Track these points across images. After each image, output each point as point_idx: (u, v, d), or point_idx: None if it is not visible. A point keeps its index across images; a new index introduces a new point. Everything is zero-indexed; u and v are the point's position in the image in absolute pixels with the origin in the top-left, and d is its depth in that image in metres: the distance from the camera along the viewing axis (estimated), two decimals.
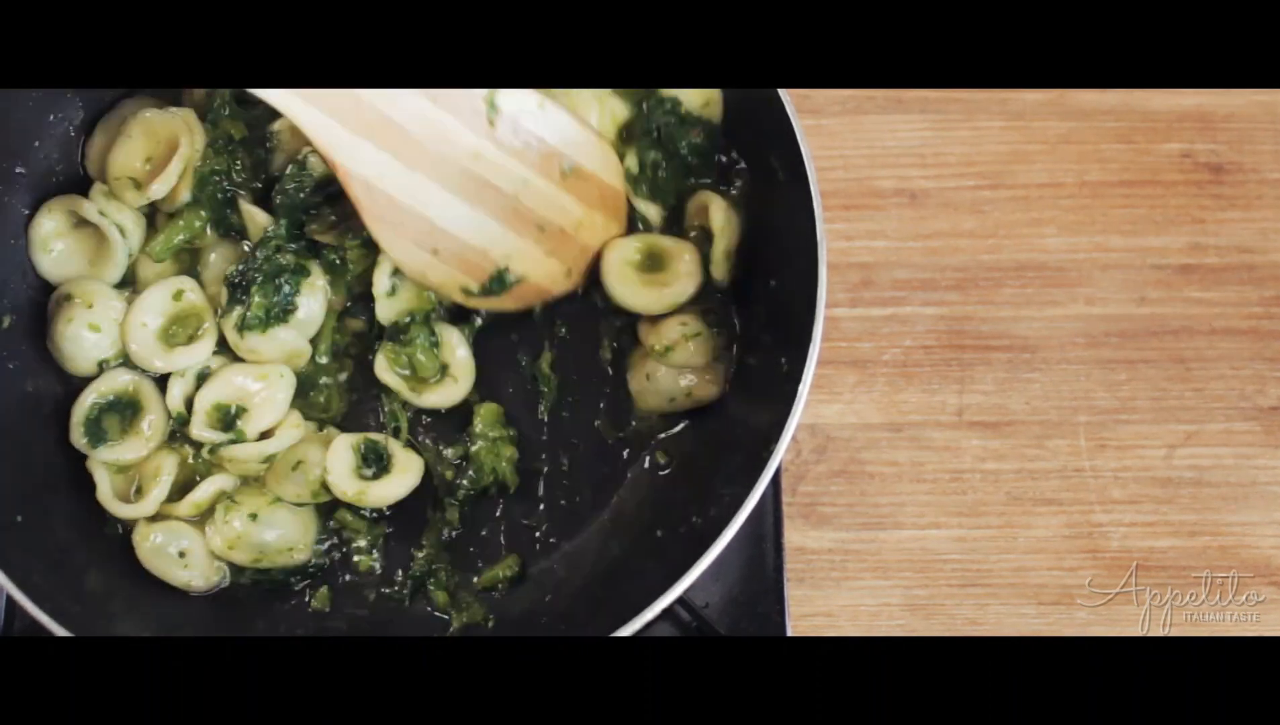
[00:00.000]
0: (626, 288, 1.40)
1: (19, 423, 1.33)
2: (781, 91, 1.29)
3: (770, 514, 1.45)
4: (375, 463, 1.38)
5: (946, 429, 1.55)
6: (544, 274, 1.40)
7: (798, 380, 1.23)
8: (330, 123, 1.25)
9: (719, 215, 1.38)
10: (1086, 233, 1.62)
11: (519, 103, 1.32)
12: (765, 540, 1.44)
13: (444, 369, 1.40)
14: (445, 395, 1.39)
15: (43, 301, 1.38)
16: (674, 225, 1.43)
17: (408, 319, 1.38)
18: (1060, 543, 1.52)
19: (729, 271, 1.40)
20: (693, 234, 1.42)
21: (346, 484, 1.34)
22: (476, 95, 1.30)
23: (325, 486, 1.35)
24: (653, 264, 1.41)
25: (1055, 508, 1.53)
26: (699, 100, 1.40)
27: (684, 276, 1.39)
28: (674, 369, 1.38)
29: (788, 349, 1.28)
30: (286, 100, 1.23)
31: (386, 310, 1.38)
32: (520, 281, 1.38)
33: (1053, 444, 1.55)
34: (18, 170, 1.37)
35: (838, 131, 1.65)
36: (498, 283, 1.37)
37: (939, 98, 1.66)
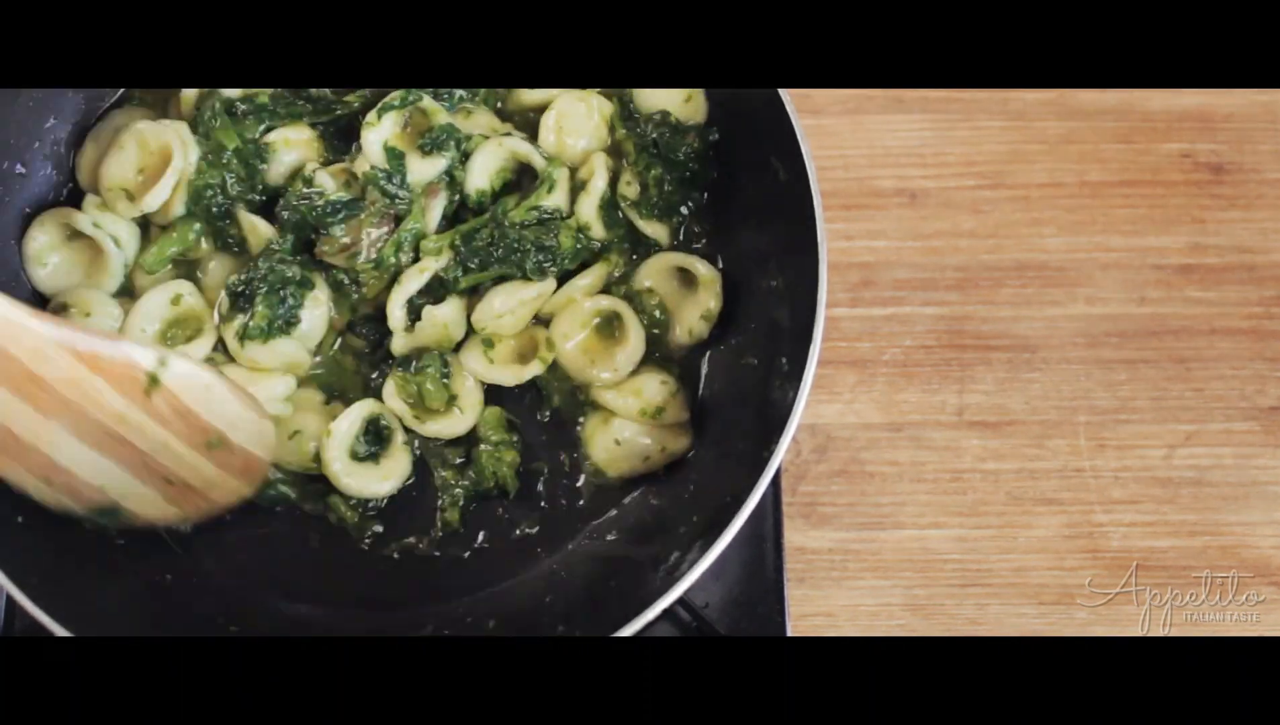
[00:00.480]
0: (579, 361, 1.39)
1: None
2: (781, 91, 1.29)
3: (770, 514, 1.45)
4: (374, 443, 1.38)
5: (946, 429, 1.55)
6: (158, 514, 1.31)
7: (799, 380, 1.23)
8: None
9: (705, 275, 1.39)
10: (1086, 233, 1.62)
11: (185, 379, 1.24)
12: (765, 540, 1.44)
13: (452, 400, 1.39)
14: (449, 426, 1.38)
15: (39, 306, 1.38)
16: (684, 241, 1.44)
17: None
18: (1060, 543, 1.52)
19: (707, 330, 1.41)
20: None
21: (338, 455, 1.34)
22: (140, 366, 1.22)
23: (317, 459, 1.36)
24: (608, 327, 1.40)
25: (1055, 508, 1.53)
26: (680, 99, 1.40)
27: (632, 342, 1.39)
28: (643, 428, 1.38)
29: (788, 349, 1.28)
30: None
31: (401, 344, 1.37)
32: (133, 517, 1.30)
33: (1053, 444, 1.55)
34: (18, 170, 1.37)
35: (838, 131, 1.65)
36: (109, 515, 1.29)
37: (939, 98, 1.66)
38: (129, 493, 1.27)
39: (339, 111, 1.43)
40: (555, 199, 1.38)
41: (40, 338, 1.17)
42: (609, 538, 1.39)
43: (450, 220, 1.41)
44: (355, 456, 1.37)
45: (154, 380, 1.22)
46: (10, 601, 1.38)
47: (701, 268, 1.40)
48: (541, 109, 1.43)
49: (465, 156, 1.39)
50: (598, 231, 1.39)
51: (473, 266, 1.37)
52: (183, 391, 1.24)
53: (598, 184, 1.39)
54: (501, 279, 1.38)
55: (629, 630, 1.19)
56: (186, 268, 1.41)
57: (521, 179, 1.43)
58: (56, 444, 1.22)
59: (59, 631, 1.18)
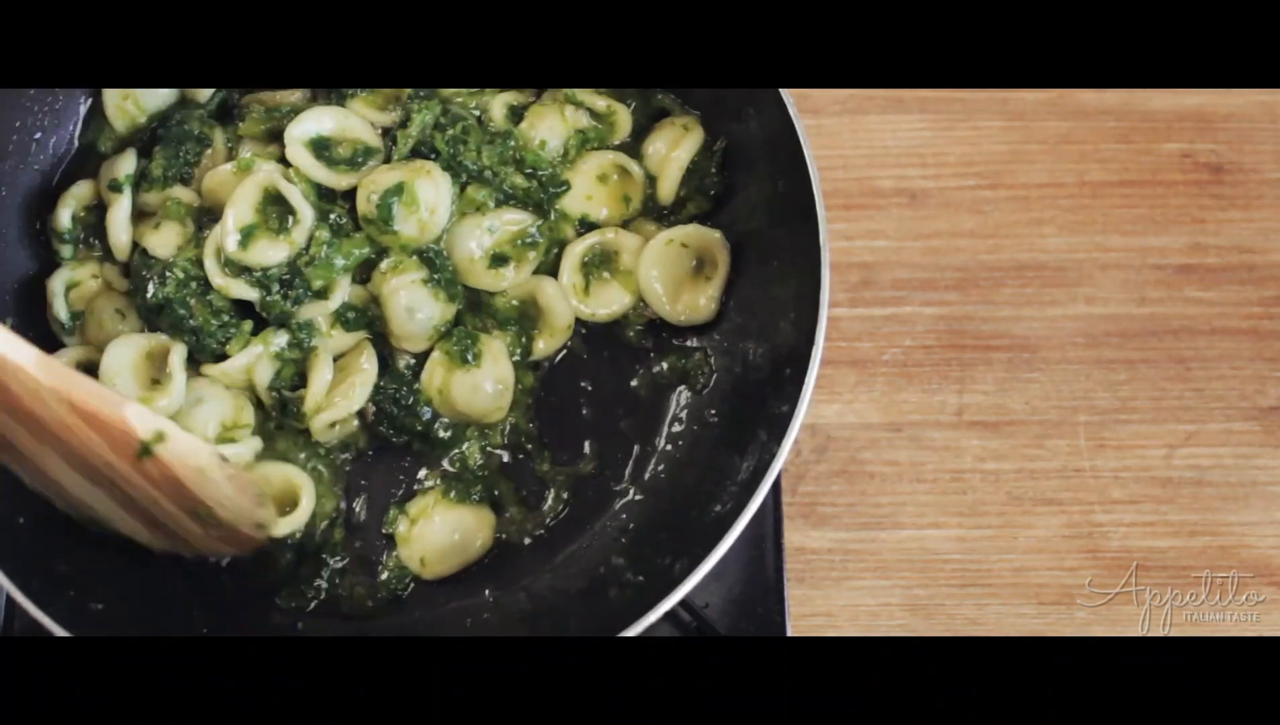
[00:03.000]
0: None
1: None
2: (783, 91, 1.29)
3: (770, 514, 1.45)
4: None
5: (946, 429, 1.55)
6: (146, 540, 1.30)
7: (800, 382, 1.23)
8: None
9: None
10: (1086, 233, 1.62)
11: (181, 456, 1.19)
12: (765, 540, 1.44)
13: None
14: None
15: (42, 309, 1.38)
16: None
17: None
18: (1060, 543, 1.52)
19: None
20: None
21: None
22: (135, 434, 1.16)
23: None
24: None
25: (1055, 508, 1.53)
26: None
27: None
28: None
29: (790, 351, 1.28)
30: None
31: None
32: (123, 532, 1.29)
33: (1053, 444, 1.55)
34: (20, 171, 1.37)
35: (838, 131, 1.65)
36: (99, 524, 1.28)
37: (939, 98, 1.66)
38: (118, 519, 1.26)
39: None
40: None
41: (39, 385, 1.13)
42: (610, 539, 1.38)
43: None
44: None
45: (147, 450, 1.17)
46: (10, 601, 1.38)
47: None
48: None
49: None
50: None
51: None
52: (175, 465, 1.19)
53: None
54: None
55: (630, 632, 1.19)
56: None
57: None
58: (49, 464, 1.20)
59: (59, 631, 1.18)
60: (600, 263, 1.41)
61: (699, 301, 1.40)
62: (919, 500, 1.53)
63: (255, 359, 1.34)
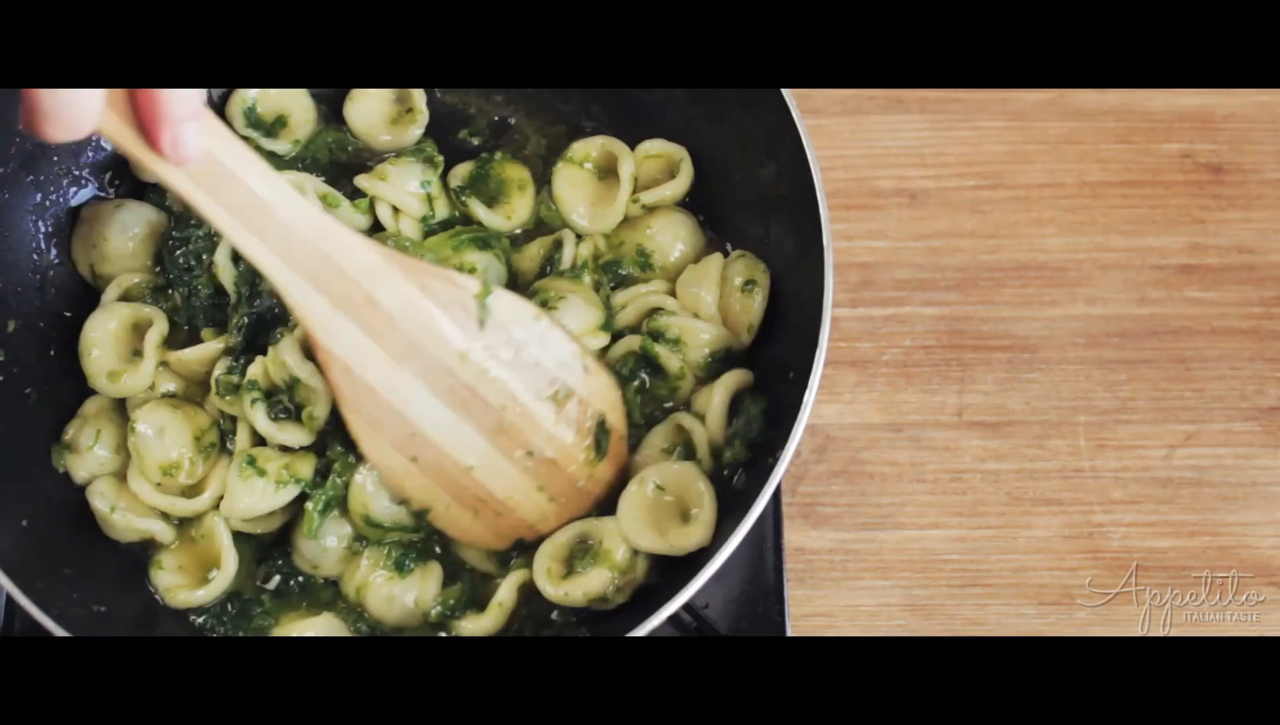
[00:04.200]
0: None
1: (17, 428, 1.33)
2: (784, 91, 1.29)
3: (770, 514, 1.45)
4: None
5: (946, 429, 1.55)
6: (531, 508, 1.29)
7: (804, 385, 1.22)
8: (311, 292, 1.16)
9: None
10: (1086, 233, 1.62)
11: (513, 309, 1.24)
12: (765, 540, 1.44)
13: None
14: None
15: (48, 308, 1.38)
16: None
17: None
18: (1060, 543, 1.52)
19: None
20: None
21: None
22: (468, 292, 1.22)
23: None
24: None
25: (1055, 508, 1.53)
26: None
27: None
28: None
29: (793, 353, 1.27)
30: (269, 262, 1.14)
31: None
32: (501, 515, 1.29)
33: (1053, 444, 1.55)
34: (27, 179, 1.37)
35: (838, 131, 1.65)
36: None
37: (939, 98, 1.66)
38: (494, 471, 1.26)
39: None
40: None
41: (373, 253, 1.17)
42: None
43: None
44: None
45: (483, 305, 1.21)
46: (10, 601, 1.38)
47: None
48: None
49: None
50: None
51: None
52: (511, 322, 1.23)
53: None
54: None
55: (642, 631, 1.19)
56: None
57: None
58: (413, 402, 1.22)
59: (59, 632, 1.18)
60: (583, 553, 1.30)
61: (690, 536, 1.27)
62: (919, 500, 1.53)
63: (214, 356, 1.33)
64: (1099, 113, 1.67)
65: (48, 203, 1.40)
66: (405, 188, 1.39)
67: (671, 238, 1.41)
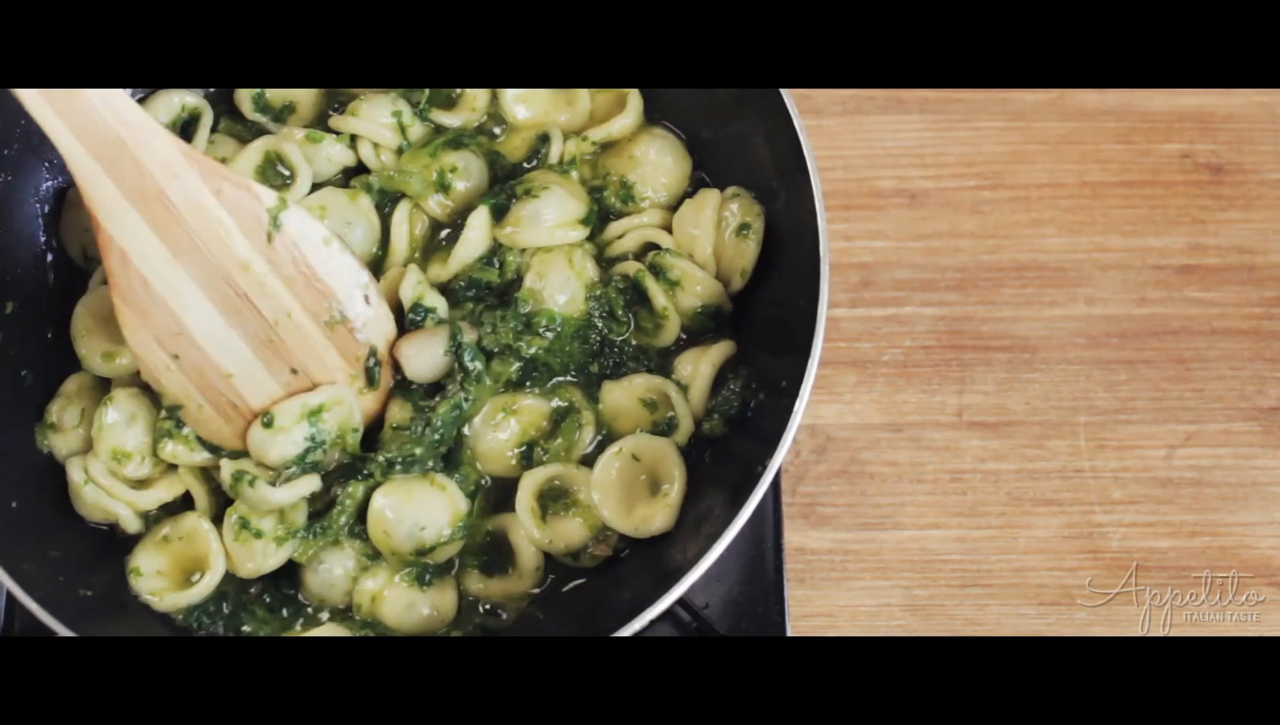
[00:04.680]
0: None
1: (10, 409, 1.33)
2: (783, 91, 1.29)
3: (770, 514, 1.45)
4: None
5: (946, 429, 1.55)
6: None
7: (799, 383, 1.22)
8: (104, 178, 1.17)
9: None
10: (1086, 233, 1.62)
11: (303, 228, 1.25)
12: (765, 540, 1.44)
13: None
14: None
15: (46, 289, 1.38)
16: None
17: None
18: (1060, 543, 1.52)
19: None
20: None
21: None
22: (260, 204, 1.23)
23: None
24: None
25: (1055, 508, 1.53)
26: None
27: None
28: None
29: (788, 353, 1.28)
30: (66, 141, 1.15)
31: None
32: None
33: (1053, 444, 1.55)
34: (33, 161, 1.37)
35: (838, 131, 1.65)
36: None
37: (939, 98, 1.66)
38: (255, 385, 1.26)
39: None
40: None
41: (173, 150, 1.18)
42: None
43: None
44: None
45: (275, 221, 1.22)
46: (10, 601, 1.38)
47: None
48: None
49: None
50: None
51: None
52: (301, 240, 1.24)
53: None
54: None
55: (629, 630, 1.19)
56: None
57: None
58: (186, 304, 1.22)
59: (59, 632, 1.18)
60: (556, 496, 1.33)
61: (654, 519, 1.30)
62: (919, 500, 1.53)
63: None
64: (1099, 113, 1.67)
65: (52, 185, 1.40)
66: (377, 121, 1.40)
67: (655, 169, 1.41)
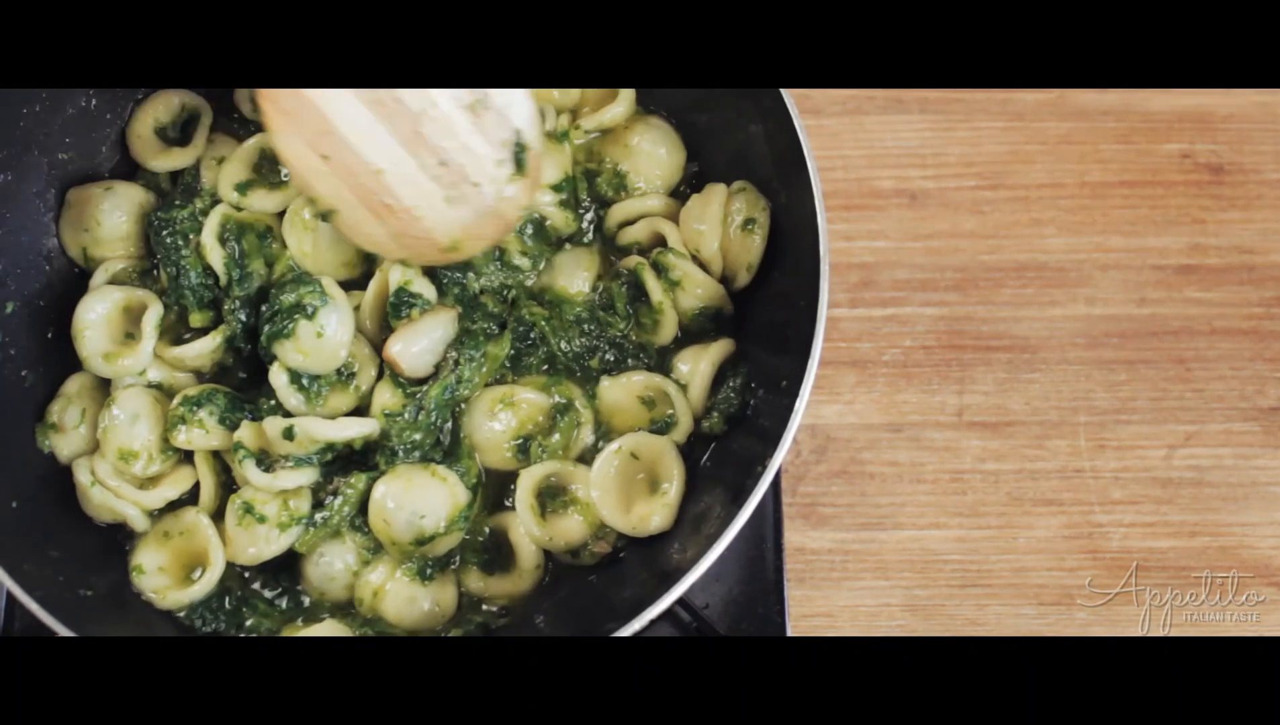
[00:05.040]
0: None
1: (11, 409, 1.34)
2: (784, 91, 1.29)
3: (770, 514, 1.45)
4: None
5: (946, 429, 1.55)
6: (437, 220, 1.28)
7: (799, 383, 1.22)
8: None
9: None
10: (1086, 233, 1.62)
11: (510, 103, 1.26)
12: (765, 540, 1.44)
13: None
14: None
15: (46, 289, 1.38)
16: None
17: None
18: (1060, 543, 1.52)
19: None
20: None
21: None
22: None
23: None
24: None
25: (1055, 508, 1.53)
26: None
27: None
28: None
29: (788, 353, 1.28)
30: None
31: None
32: (406, 225, 1.27)
33: (1053, 444, 1.55)
34: (34, 159, 1.37)
35: (838, 131, 1.65)
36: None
37: (939, 98, 1.66)
38: (406, 178, 1.24)
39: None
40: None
41: None
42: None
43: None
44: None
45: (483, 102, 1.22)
46: (10, 601, 1.38)
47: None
48: None
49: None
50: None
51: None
52: (509, 108, 1.24)
53: None
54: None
55: (629, 630, 1.19)
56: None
57: None
58: (332, 100, 1.20)
59: (59, 632, 1.18)
60: (555, 494, 1.34)
61: (652, 518, 1.31)
62: (919, 501, 1.53)
63: (212, 350, 1.34)
64: (1099, 113, 1.67)
65: (52, 185, 1.40)
66: None
67: (648, 159, 1.41)
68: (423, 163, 1.25)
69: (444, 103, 1.24)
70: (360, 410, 1.34)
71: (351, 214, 1.27)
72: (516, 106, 1.27)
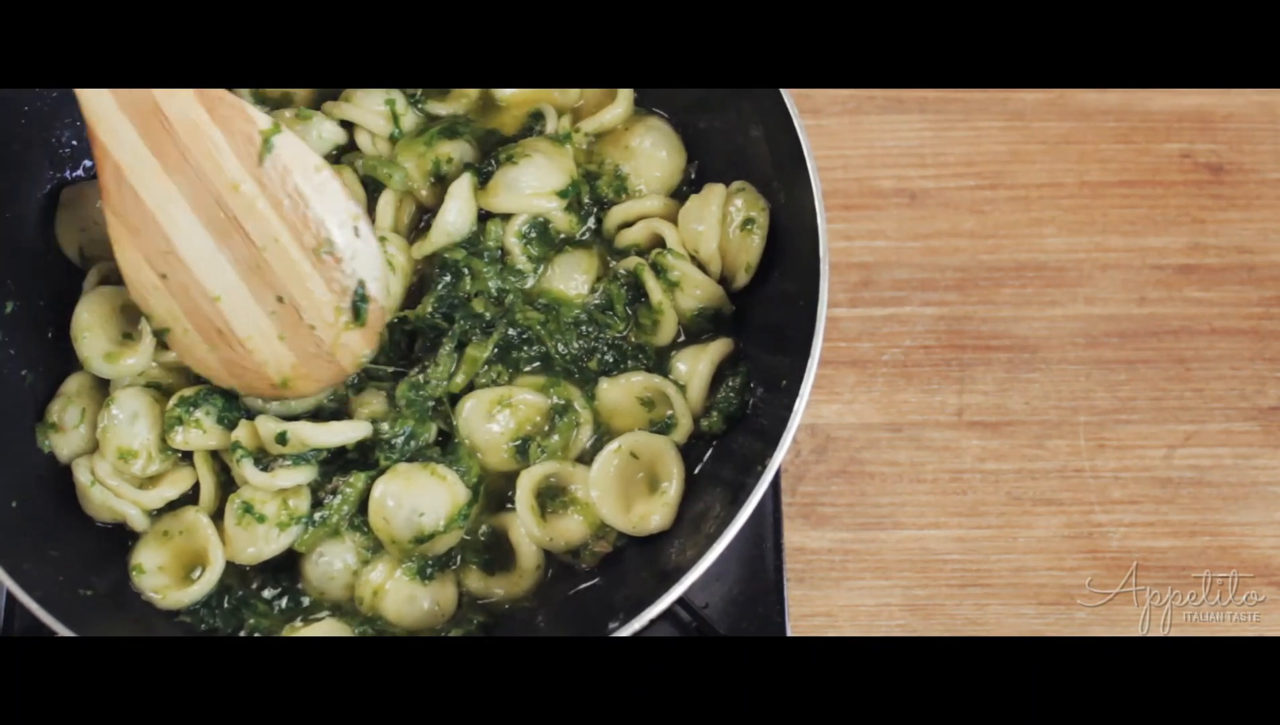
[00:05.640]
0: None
1: (11, 409, 1.34)
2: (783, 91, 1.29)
3: (770, 514, 1.45)
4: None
5: (946, 429, 1.55)
6: (270, 355, 1.29)
7: (798, 383, 1.22)
8: (103, 92, 1.18)
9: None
10: (1086, 233, 1.62)
11: (295, 153, 1.25)
12: (765, 540, 1.44)
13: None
14: None
15: (46, 289, 1.38)
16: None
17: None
18: (1060, 543, 1.52)
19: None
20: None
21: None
22: (254, 125, 1.23)
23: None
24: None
25: (1055, 508, 1.53)
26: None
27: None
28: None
29: (788, 352, 1.28)
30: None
31: None
32: (238, 354, 1.29)
33: (1053, 444, 1.55)
34: (35, 158, 1.37)
35: (838, 131, 1.65)
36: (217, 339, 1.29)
37: (939, 98, 1.66)
38: (240, 310, 1.26)
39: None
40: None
41: (173, 94, 1.18)
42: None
43: None
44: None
45: (268, 144, 1.22)
46: (10, 601, 1.38)
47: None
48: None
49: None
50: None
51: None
52: (293, 165, 1.23)
53: None
54: None
55: (629, 630, 1.19)
56: None
57: None
58: (176, 222, 1.22)
59: (59, 632, 1.18)
60: (555, 494, 1.34)
61: (652, 517, 1.31)
62: (919, 500, 1.53)
63: None
64: (1099, 113, 1.67)
65: (52, 185, 1.40)
66: (370, 108, 1.40)
67: (649, 161, 1.41)
68: (259, 297, 1.27)
69: (288, 240, 1.26)
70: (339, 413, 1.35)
71: (184, 336, 1.28)
72: (364, 258, 1.29)
